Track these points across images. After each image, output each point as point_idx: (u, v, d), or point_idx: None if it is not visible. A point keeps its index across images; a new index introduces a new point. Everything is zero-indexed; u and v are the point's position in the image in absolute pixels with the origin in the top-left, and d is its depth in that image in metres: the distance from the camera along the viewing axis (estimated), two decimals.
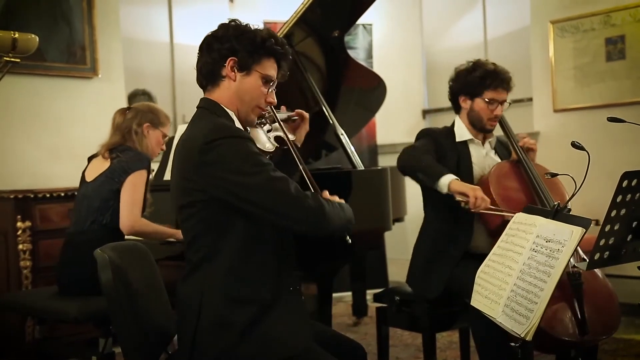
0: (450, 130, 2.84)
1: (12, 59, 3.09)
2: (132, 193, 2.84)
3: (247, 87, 1.96)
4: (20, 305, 2.99)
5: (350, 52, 3.95)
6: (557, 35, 4.77)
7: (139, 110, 3.04)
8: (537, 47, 4.94)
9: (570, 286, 2.31)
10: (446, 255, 2.69)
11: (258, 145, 1.95)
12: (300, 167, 2.09)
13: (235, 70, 1.94)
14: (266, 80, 1.98)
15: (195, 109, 2.00)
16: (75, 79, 4.44)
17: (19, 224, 3.73)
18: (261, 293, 1.85)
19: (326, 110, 3.41)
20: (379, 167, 3.90)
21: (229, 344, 1.80)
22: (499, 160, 2.83)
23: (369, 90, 4.02)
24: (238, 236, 1.84)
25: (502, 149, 2.90)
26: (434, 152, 2.72)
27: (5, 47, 3.04)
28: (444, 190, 2.50)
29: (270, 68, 1.99)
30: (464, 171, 2.72)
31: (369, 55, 5.78)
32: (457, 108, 2.86)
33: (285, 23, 3.32)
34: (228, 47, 1.94)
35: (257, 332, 1.81)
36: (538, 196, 2.61)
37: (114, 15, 4.82)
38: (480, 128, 2.79)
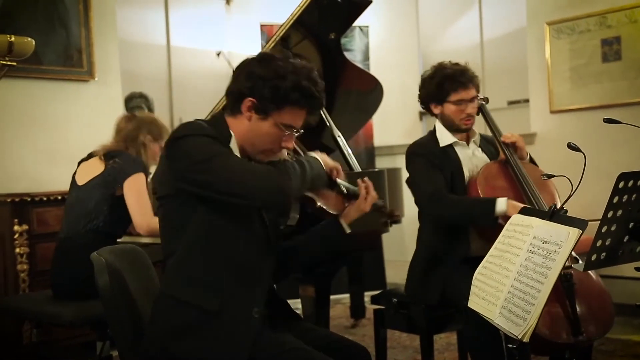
0: (433, 137, 2.82)
1: (9, 63, 3.08)
2: (137, 196, 2.84)
3: (260, 132, 1.88)
4: (18, 308, 2.99)
5: (347, 54, 3.96)
6: (553, 37, 4.78)
7: (145, 122, 3.07)
8: (534, 48, 4.95)
9: (562, 287, 2.31)
10: (444, 261, 2.67)
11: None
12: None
13: (252, 112, 1.87)
14: (284, 127, 1.88)
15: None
16: (71, 82, 4.43)
17: (16, 227, 3.72)
18: (205, 300, 1.79)
19: (323, 112, 3.40)
20: (376, 169, 3.90)
21: (161, 344, 1.79)
22: (486, 158, 2.82)
23: (366, 93, 4.02)
24: (193, 237, 1.83)
25: (488, 146, 2.89)
26: (436, 168, 2.69)
27: (2, 51, 3.03)
28: (504, 215, 2.45)
29: (294, 117, 1.88)
30: (457, 175, 2.72)
31: (366, 57, 5.79)
32: (432, 114, 2.86)
33: (281, 25, 3.32)
34: (250, 86, 1.85)
35: (195, 338, 1.77)
36: (527, 196, 2.58)
37: (110, 18, 4.82)
38: (456, 129, 2.78)
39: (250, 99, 1.85)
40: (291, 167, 1.84)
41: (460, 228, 2.67)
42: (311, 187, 1.93)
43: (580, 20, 4.62)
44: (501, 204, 2.46)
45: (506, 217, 2.37)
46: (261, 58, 1.90)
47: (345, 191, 2.05)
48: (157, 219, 2.83)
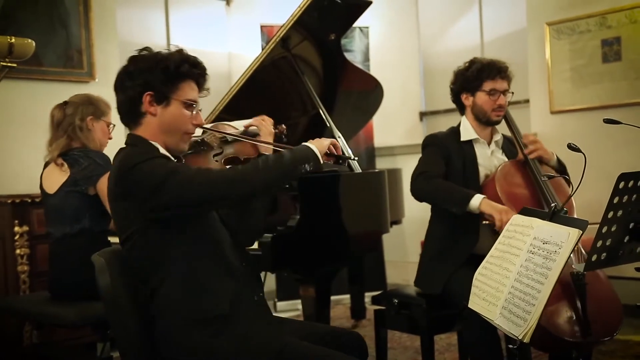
0: (455, 131, 2.86)
1: (9, 64, 3.08)
2: None
3: (170, 118, 1.91)
4: (18, 309, 2.99)
5: (347, 55, 3.96)
6: (553, 37, 4.78)
7: (78, 104, 2.95)
8: (534, 48, 4.95)
9: (573, 286, 2.31)
10: (452, 254, 2.70)
11: None
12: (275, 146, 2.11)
13: (155, 104, 1.89)
14: (188, 105, 1.93)
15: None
16: (72, 83, 4.43)
17: (16, 228, 3.72)
18: (217, 308, 1.84)
19: (323, 113, 3.41)
20: (377, 170, 3.90)
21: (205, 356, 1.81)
22: (506, 159, 2.84)
23: (366, 93, 4.02)
24: (179, 260, 1.85)
25: (511, 147, 2.91)
26: (442, 159, 2.74)
27: (2, 52, 3.03)
28: (476, 212, 2.53)
29: (190, 90, 1.94)
30: (470, 172, 2.74)
31: (366, 58, 5.78)
32: (461, 108, 2.89)
33: (282, 26, 3.32)
34: (141, 82, 1.88)
35: (222, 342, 1.81)
36: (544, 196, 2.62)
37: (110, 18, 4.82)
38: (486, 121, 2.80)
39: (147, 93, 1.88)
40: (260, 159, 1.88)
41: (471, 221, 2.68)
42: (294, 170, 1.90)
43: (581, 21, 4.62)
44: (476, 199, 2.52)
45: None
46: (131, 59, 1.94)
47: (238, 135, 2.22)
48: None
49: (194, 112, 1.95)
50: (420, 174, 2.71)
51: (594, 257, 1.85)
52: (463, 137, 2.81)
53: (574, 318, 2.30)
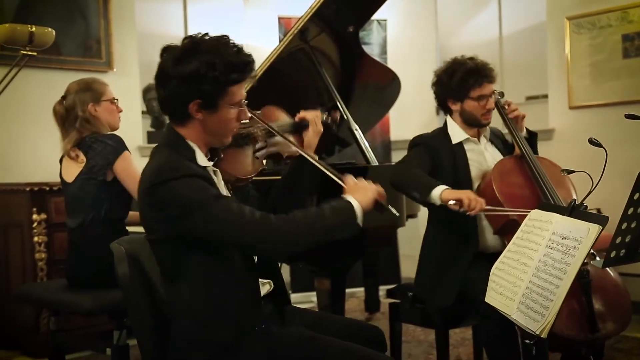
0: (444, 132, 2.79)
1: (29, 53, 3.11)
2: (129, 179, 2.76)
3: (217, 123, 1.84)
4: (36, 297, 3.01)
5: (365, 48, 3.95)
6: (573, 32, 4.74)
7: (75, 93, 2.91)
8: (553, 43, 4.91)
9: (578, 284, 2.29)
10: (457, 260, 2.65)
11: (232, 172, 1.93)
12: (322, 169, 1.99)
13: (202, 111, 1.81)
14: (235, 105, 1.85)
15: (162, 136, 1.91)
16: (90, 73, 4.40)
17: (34, 216, 3.76)
18: (219, 334, 1.80)
19: (340, 105, 3.41)
20: (393, 163, 3.89)
21: None
22: (498, 153, 2.81)
23: (383, 86, 4.01)
24: (190, 278, 1.81)
25: (497, 140, 2.88)
26: (429, 159, 2.68)
27: (22, 41, 3.06)
28: (437, 202, 2.45)
29: (239, 91, 1.85)
30: (462, 173, 2.69)
31: (383, 51, 5.76)
32: (447, 111, 2.83)
33: (300, 18, 3.32)
34: (186, 90, 1.77)
35: None
36: (543, 192, 2.56)
37: (129, 9, 4.84)
38: (476, 125, 2.76)
39: (195, 101, 1.78)
40: (301, 216, 1.79)
41: (470, 225, 2.65)
42: (336, 236, 1.84)
43: (601, 16, 4.57)
44: (438, 189, 2.44)
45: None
46: (179, 58, 1.79)
47: (286, 127, 2.12)
48: None
49: (241, 110, 1.87)
50: (401, 162, 2.70)
51: (612, 254, 1.83)
52: (454, 140, 2.75)
53: (580, 316, 2.28)
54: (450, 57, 2.82)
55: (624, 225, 1.81)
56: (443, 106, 2.83)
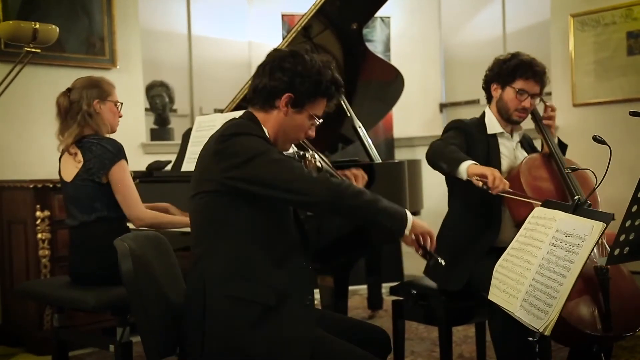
0: (481, 122, 2.82)
1: (33, 50, 3.11)
2: (121, 188, 2.78)
3: (295, 124, 1.98)
4: (39, 293, 3.01)
5: (368, 45, 3.94)
6: (577, 29, 4.72)
7: (82, 88, 2.91)
8: (557, 41, 4.89)
9: (597, 280, 2.29)
10: (472, 249, 2.67)
11: None
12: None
13: (289, 106, 1.94)
14: (313, 118, 1.99)
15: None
16: (93, 70, 4.45)
17: (38, 213, 3.76)
18: (263, 296, 1.83)
19: (344, 102, 3.40)
20: (396, 160, 3.89)
21: (235, 344, 1.81)
22: (526, 154, 2.82)
23: (387, 84, 4.01)
24: (239, 234, 1.85)
25: (526, 144, 2.89)
26: (464, 142, 2.71)
27: (26, 38, 3.07)
28: (464, 176, 2.48)
29: (321, 107, 2.00)
30: (494, 163, 2.71)
31: (387, 49, 5.75)
32: (488, 96, 2.85)
33: (303, 15, 3.32)
34: (289, 81, 1.92)
35: (262, 333, 1.80)
36: (568, 189, 2.59)
37: (132, 6, 4.85)
38: (506, 118, 2.77)
39: (289, 94, 1.92)
40: (351, 184, 1.90)
41: (493, 215, 2.66)
42: (373, 217, 1.87)
43: (606, 13, 4.56)
44: (466, 163, 2.48)
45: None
46: (294, 54, 1.95)
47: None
48: (150, 212, 2.84)
49: (312, 125, 2.02)
50: (435, 140, 2.71)
51: (616, 251, 1.83)
52: (489, 130, 2.78)
53: (596, 312, 2.28)
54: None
55: (628, 223, 1.80)
56: (487, 90, 2.85)
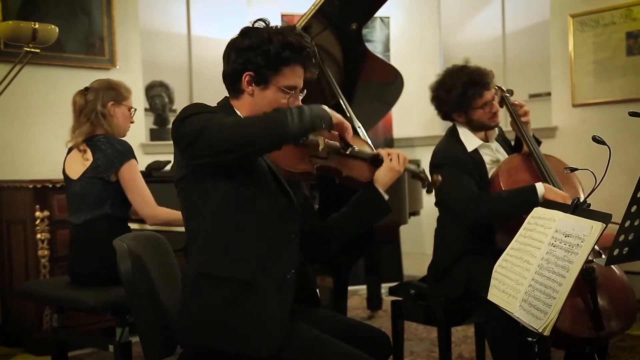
0: (456, 140, 2.76)
1: (32, 50, 3.11)
2: (134, 188, 2.81)
3: (264, 102, 1.89)
4: (38, 293, 3.02)
5: (368, 45, 3.94)
6: (576, 29, 4.72)
7: (99, 89, 2.95)
8: (557, 41, 4.89)
9: (583, 281, 2.28)
10: (468, 258, 2.65)
11: (275, 158, 1.91)
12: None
13: (253, 85, 1.89)
14: (285, 92, 1.90)
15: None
16: (93, 70, 4.46)
17: (37, 213, 3.76)
18: (236, 271, 1.80)
19: (343, 103, 3.40)
20: None
21: (208, 323, 1.79)
22: (505, 153, 2.81)
23: (386, 84, 4.01)
24: (214, 213, 1.83)
25: (501, 140, 2.88)
26: (467, 174, 2.64)
27: (26, 38, 3.07)
28: (542, 198, 2.44)
29: (293, 76, 1.90)
30: (484, 179, 2.69)
31: (386, 49, 5.76)
32: (453, 122, 2.82)
33: (303, 15, 3.31)
34: (243, 60, 1.87)
35: (234, 311, 1.77)
36: None
37: (132, 7, 4.85)
38: (485, 129, 2.76)
39: (247, 72, 1.87)
40: (284, 109, 1.81)
41: (485, 227, 2.64)
42: (313, 126, 1.85)
43: (605, 13, 4.56)
44: (540, 188, 2.45)
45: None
46: (243, 32, 1.92)
47: (359, 154, 2.03)
48: (162, 209, 2.86)
49: (291, 98, 1.90)
50: (469, 200, 2.58)
51: (615, 252, 1.82)
52: (469, 148, 2.72)
53: (585, 313, 2.27)
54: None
55: (627, 223, 1.80)
56: (450, 119, 2.82)
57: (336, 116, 1.94)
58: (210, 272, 1.82)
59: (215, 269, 1.81)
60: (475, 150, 2.73)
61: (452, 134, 2.79)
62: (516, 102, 2.81)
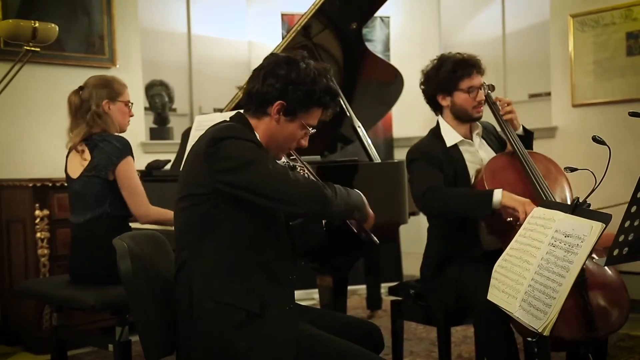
0: (437, 135, 2.75)
1: (32, 48, 3.11)
2: (128, 185, 2.79)
3: (286, 133, 1.94)
4: (38, 292, 3.01)
5: (368, 45, 3.94)
6: (577, 30, 4.72)
7: (93, 87, 2.92)
8: (557, 41, 4.89)
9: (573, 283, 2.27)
10: (454, 262, 2.63)
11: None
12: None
13: (280, 114, 1.91)
14: (305, 127, 1.96)
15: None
16: (93, 69, 4.45)
17: (37, 212, 3.76)
18: (247, 302, 1.83)
19: (343, 102, 3.40)
20: (396, 160, 3.88)
21: (220, 346, 1.81)
22: (491, 150, 2.78)
23: (386, 83, 4.01)
24: (225, 237, 1.85)
25: (490, 136, 2.86)
26: (437, 169, 2.64)
27: (26, 36, 3.07)
28: (498, 207, 2.42)
29: (316, 117, 1.97)
30: (461, 176, 2.67)
31: (387, 48, 5.75)
32: (438, 108, 2.80)
33: (303, 15, 3.32)
34: (281, 88, 1.88)
35: (246, 334, 1.80)
36: (535, 189, 2.51)
37: (132, 6, 4.85)
38: (467, 119, 2.73)
39: (281, 102, 1.89)
40: (337, 187, 1.90)
41: (471, 229, 2.63)
42: (351, 216, 1.97)
43: (605, 13, 4.56)
44: (497, 195, 2.42)
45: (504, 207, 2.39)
46: (289, 60, 1.92)
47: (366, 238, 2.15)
48: (155, 209, 2.85)
49: (304, 134, 1.98)
50: (426, 191, 2.58)
51: (615, 252, 1.83)
52: (448, 143, 2.71)
53: (576, 315, 2.26)
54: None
55: (627, 224, 1.80)
56: (433, 104, 2.80)
57: (368, 209, 2.03)
58: (221, 299, 1.83)
59: (226, 296, 1.83)
60: (455, 146, 2.71)
61: (434, 130, 2.80)
62: (499, 99, 2.80)
